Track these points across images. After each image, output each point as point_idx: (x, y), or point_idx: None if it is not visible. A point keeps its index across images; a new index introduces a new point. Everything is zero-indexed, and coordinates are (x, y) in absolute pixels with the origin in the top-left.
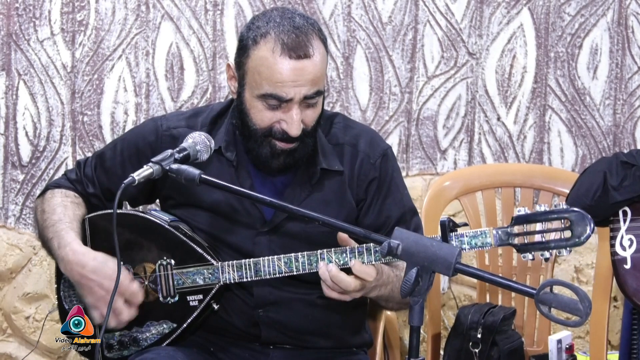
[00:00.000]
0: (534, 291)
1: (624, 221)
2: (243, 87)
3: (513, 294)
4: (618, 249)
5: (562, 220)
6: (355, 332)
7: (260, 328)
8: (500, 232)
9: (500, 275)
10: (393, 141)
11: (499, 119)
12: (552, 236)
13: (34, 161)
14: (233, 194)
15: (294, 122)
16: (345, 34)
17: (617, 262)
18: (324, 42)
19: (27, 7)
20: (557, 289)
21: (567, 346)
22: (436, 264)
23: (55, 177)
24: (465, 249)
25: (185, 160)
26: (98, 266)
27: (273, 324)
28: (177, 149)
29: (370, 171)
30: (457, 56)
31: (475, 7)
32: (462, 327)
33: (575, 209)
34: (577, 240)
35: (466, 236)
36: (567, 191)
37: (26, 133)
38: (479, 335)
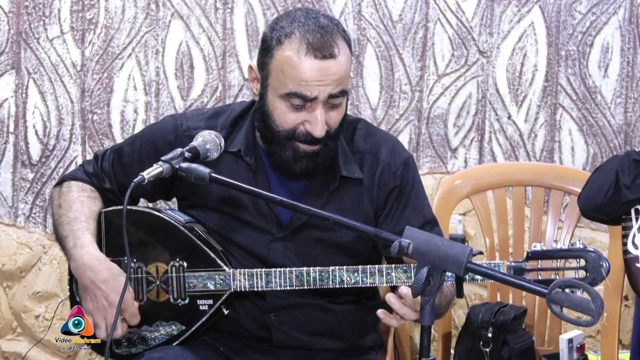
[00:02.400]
0: (546, 290)
1: (636, 219)
2: (266, 88)
3: (524, 293)
4: (630, 247)
5: (578, 260)
6: (366, 333)
7: (271, 331)
8: (513, 266)
9: (512, 274)
10: (403, 140)
11: (509, 117)
12: (566, 274)
13: (43, 160)
14: (246, 194)
15: (318, 122)
16: (355, 32)
17: (629, 261)
18: (348, 42)
19: (37, 6)
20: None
21: (578, 345)
22: (447, 263)
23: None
24: (477, 280)
25: (195, 158)
26: (110, 278)
27: (284, 328)
28: (187, 147)
29: (391, 180)
30: (467, 54)
31: (485, 5)
32: (473, 326)
33: (591, 249)
34: (591, 280)
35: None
36: (578, 190)
37: (36, 132)
38: (490, 335)
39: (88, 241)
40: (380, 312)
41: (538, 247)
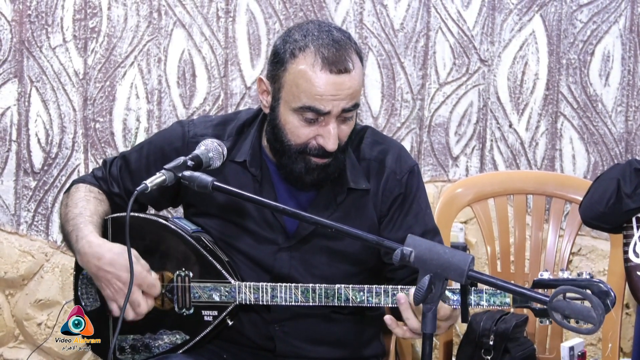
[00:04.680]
0: (547, 299)
1: (637, 228)
2: (278, 101)
3: None
4: (631, 255)
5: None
6: (369, 342)
7: (274, 341)
8: None
9: (513, 282)
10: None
11: (510, 125)
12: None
13: (46, 168)
14: (250, 203)
15: (331, 136)
16: (357, 40)
17: (630, 269)
18: (360, 56)
19: (40, 14)
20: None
21: (580, 353)
22: (449, 271)
23: (67, 184)
24: (483, 305)
25: (198, 167)
26: (115, 258)
27: (288, 338)
28: (190, 156)
29: (396, 187)
30: (469, 63)
31: (487, 13)
32: (474, 334)
33: (597, 280)
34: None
35: (485, 293)
36: (579, 198)
37: (38, 140)
38: (491, 343)
39: (88, 231)
40: (387, 318)
41: (545, 275)
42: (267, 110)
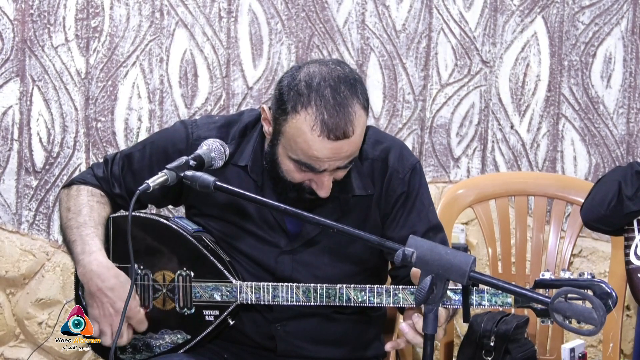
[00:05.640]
0: (549, 300)
1: (639, 230)
2: (277, 141)
3: None
4: (632, 258)
5: (585, 290)
6: (370, 343)
7: (275, 341)
8: None
9: (514, 283)
10: None
11: (512, 127)
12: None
13: (47, 167)
14: (253, 206)
15: (324, 187)
16: (359, 41)
17: (631, 271)
18: (365, 105)
19: (42, 14)
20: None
21: (580, 355)
22: (451, 272)
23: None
24: (485, 305)
25: (200, 167)
26: (117, 285)
27: (289, 338)
28: (192, 155)
29: (399, 186)
30: (470, 64)
31: (489, 15)
32: (475, 335)
33: (598, 280)
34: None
35: (487, 293)
36: (581, 200)
37: (40, 139)
38: (492, 344)
39: (96, 248)
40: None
41: (547, 275)
42: (268, 138)
